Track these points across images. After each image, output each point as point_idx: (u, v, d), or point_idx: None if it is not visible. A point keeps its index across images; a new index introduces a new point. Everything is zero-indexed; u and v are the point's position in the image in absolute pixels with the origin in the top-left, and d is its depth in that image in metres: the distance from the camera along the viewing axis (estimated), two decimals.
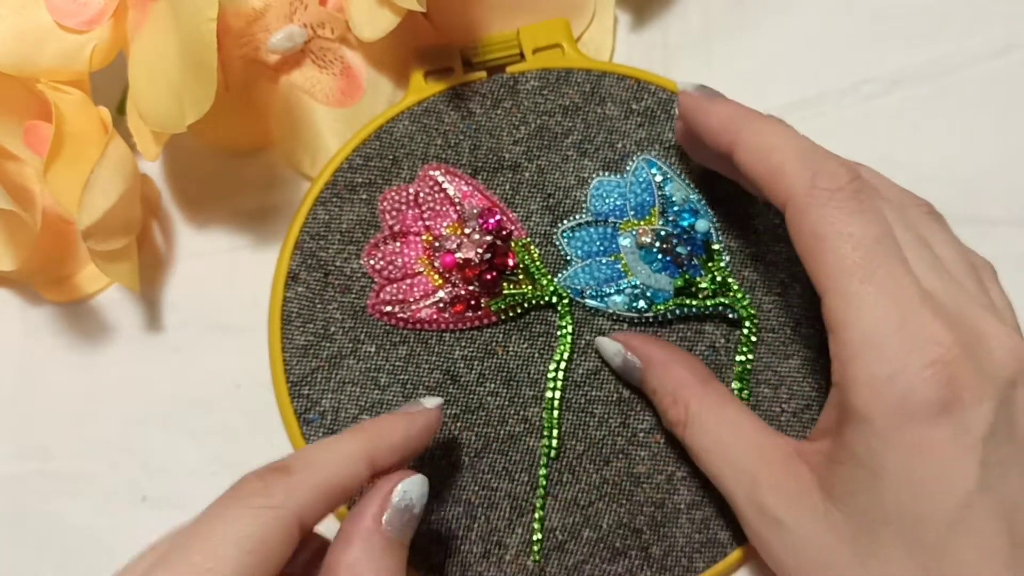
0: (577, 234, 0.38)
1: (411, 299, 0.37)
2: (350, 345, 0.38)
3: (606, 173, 0.38)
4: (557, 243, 0.38)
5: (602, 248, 0.37)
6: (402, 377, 0.37)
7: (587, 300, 0.37)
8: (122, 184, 0.36)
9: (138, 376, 0.40)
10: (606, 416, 0.36)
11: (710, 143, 0.32)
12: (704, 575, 0.35)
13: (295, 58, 0.40)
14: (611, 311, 0.37)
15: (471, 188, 0.38)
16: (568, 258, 0.37)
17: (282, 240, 0.39)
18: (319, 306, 0.38)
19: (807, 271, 0.29)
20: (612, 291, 0.37)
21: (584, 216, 0.38)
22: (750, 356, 0.36)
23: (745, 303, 0.36)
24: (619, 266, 0.37)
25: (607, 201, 0.38)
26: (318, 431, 0.37)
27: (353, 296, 0.38)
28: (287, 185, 0.42)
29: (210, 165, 0.42)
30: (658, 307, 0.36)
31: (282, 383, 0.37)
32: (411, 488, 0.29)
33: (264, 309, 0.39)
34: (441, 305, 0.37)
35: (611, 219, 0.38)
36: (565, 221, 0.38)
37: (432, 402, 0.32)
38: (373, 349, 0.37)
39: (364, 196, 0.39)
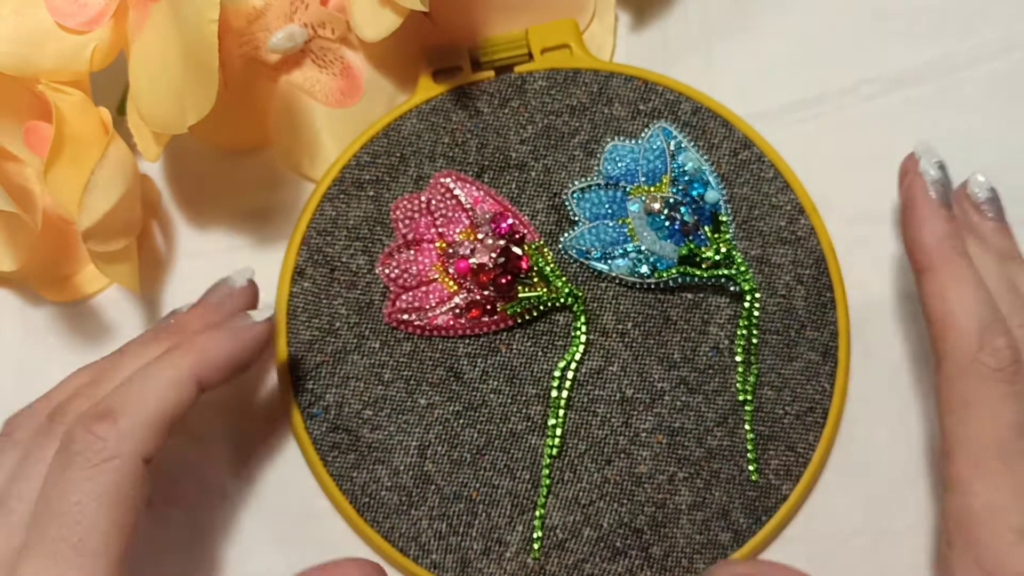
0: (586, 196, 0.38)
1: (427, 306, 0.37)
2: (355, 341, 0.38)
3: (621, 138, 0.39)
4: (562, 245, 0.38)
5: (610, 211, 0.38)
6: (405, 373, 0.37)
7: (592, 262, 0.37)
8: (122, 185, 0.36)
9: None
10: (608, 415, 0.36)
11: (907, 247, 0.34)
12: None
13: (295, 58, 0.40)
14: (614, 274, 0.37)
15: (483, 193, 0.38)
16: (575, 219, 0.38)
17: (282, 239, 0.39)
18: (324, 301, 0.38)
19: (942, 423, 0.31)
20: (617, 254, 0.37)
21: (595, 178, 0.38)
22: (753, 331, 0.36)
23: (748, 276, 0.37)
24: (625, 230, 0.37)
25: (619, 165, 0.38)
26: (321, 425, 0.37)
27: (359, 292, 0.38)
28: (287, 185, 0.42)
29: (210, 165, 0.42)
30: (661, 274, 0.37)
31: (287, 377, 0.37)
32: None
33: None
34: (457, 311, 0.37)
35: (622, 183, 0.38)
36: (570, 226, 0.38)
37: (261, 315, 0.34)
38: (377, 345, 0.37)
39: (371, 193, 0.39)
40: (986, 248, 0.34)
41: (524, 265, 0.37)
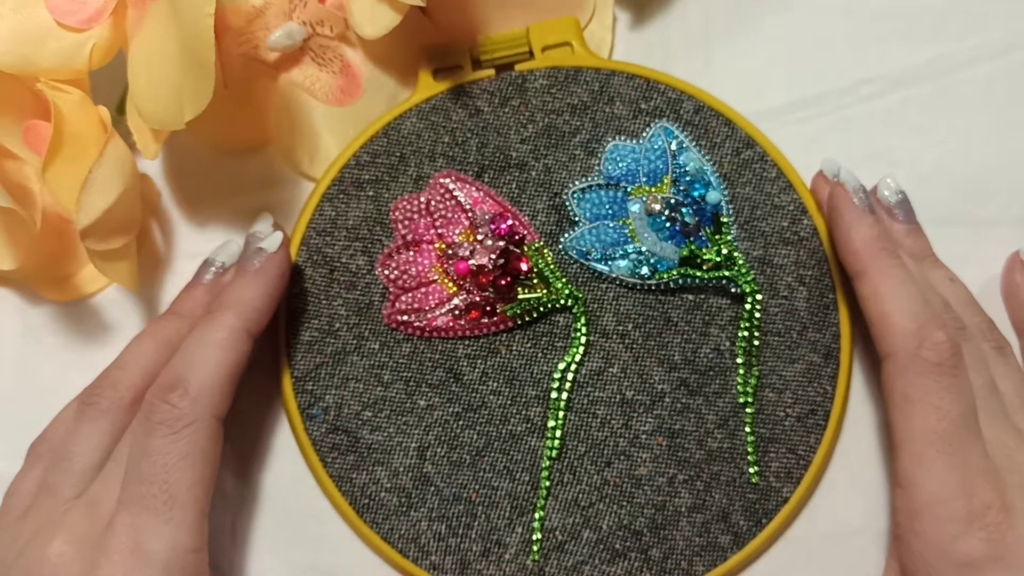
0: (587, 196, 0.38)
1: (426, 307, 0.37)
2: (354, 341, 0.38)
3: (622, 137, 0.38)
4: (563, 246, 0.38)
5: (611, 212, 0.38)
6: (405, 374, 0.37)
7: (592, 263, 0.37)
8: (121, 184, 0.36)
9: None
10: (608, 417, 0.36)
11: (839, 253, 0.35)
12: None
13: (294, 56, 0.40)
14: (614, 275, 0.37)
15: (482, 194, 0.38)
16: (576, 219, 0.38)
17: None
18: (324, 302, 0.38)
19: (890, 420, 0.32)
20: (617, 255, 0.37)
21: (595, 178, 0.38)
22: (755, 332, 0.36)
23: (749, 278, 0.37)
24: (626, 231, 0.37)
25: (620, 165, 0.38)
26: (321, 427, 0.37)
27: (358, 293, 0.38)
28: (286, 184, 0.42)
29: (210, 165, 0.42)
30: (661, 275, 0.37)
31: (286, 378, 0.37)
32: None
33: None
34: (456, 312, 0.37)
35: (622, 183, 0.38)
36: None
37: (273, 244, 0.36)
38: (377, 346, 0.37)
39: (371, 193, 0.39)
40: (902, 250, 0.35)
41: (524, 266, 0.37)
